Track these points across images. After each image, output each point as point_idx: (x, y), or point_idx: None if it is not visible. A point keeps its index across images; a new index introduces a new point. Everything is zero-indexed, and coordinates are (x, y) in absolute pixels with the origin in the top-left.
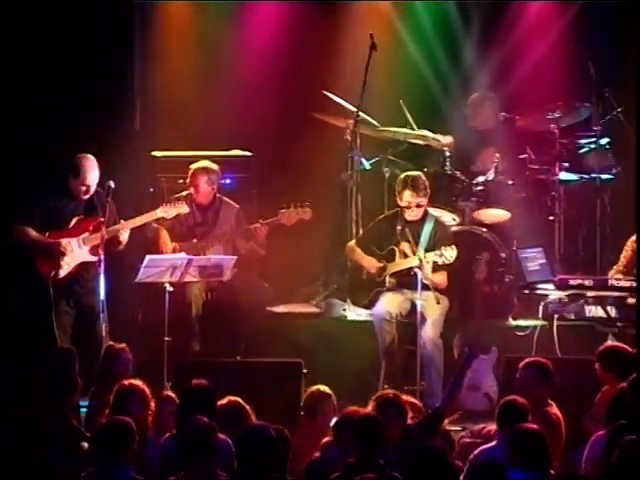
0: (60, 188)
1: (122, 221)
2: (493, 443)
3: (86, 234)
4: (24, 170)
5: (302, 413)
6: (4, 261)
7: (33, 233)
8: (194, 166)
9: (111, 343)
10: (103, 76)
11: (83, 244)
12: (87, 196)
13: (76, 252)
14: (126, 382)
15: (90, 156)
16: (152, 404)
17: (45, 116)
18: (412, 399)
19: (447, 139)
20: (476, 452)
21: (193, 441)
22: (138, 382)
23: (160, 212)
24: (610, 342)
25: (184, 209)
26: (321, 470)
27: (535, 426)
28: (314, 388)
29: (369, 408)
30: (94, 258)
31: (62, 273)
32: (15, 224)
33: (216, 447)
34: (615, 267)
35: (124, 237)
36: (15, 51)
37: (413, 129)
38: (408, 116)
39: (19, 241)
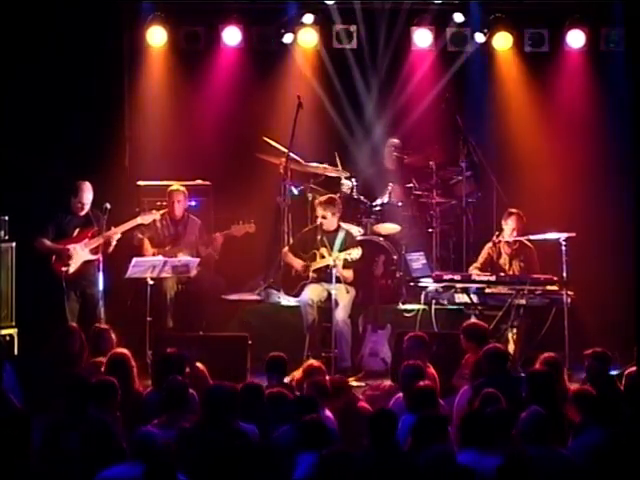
0: (65, 209)
1: (113, 228)
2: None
3: (86, 240)
4: (40, 197)
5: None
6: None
7: (48, 243)
8: (170, 188)
9: (97, 324)
10: (102, 125)
11: (85, 247)
12: (83, 212)
13: (80, 254)
14: (118, 351)
15: (86, 182)
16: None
17: (59, 158)
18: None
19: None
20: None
21: (172, 394)
22: (125, 351)
23: (140, 219)
24: (471, 320)
25: (157, 216)
26: None
27: (429, 383)
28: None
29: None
30: (94, 257)
31: (71, 270)
32: (35, 238)
33: (188, 399)
34: (473, 265)
35: (114, 239)
36: (31, 111)
37: (338, 167)
38: (338, 161)
39: (39, 250)
